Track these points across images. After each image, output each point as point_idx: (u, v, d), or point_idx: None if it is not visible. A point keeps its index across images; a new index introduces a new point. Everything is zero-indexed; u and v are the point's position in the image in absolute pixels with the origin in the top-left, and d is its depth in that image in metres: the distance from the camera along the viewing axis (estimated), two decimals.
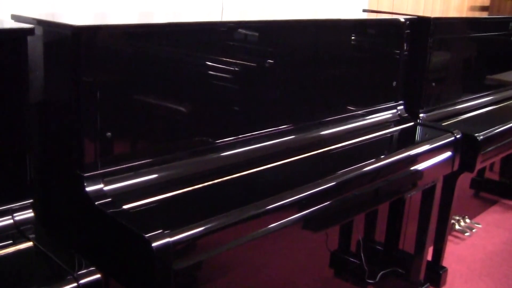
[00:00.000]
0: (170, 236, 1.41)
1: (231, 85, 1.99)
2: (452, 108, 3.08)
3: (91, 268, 1.27)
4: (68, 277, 1.24)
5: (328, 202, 1.93)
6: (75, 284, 1.22)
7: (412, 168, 2.34)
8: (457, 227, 3.57)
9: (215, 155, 1.93)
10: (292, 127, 2.20)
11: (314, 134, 2.29)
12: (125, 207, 1.57)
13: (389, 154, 2.28)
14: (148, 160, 1.74)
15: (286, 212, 1.78)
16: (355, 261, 2.82)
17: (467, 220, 3.66)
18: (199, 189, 1.79)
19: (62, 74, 1.61)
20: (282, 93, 2.16)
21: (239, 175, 1.93)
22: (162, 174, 1.77)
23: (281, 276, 2.43)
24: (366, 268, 2.81)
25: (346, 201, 2.02)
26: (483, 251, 3.45)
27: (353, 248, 2.85)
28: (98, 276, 1.26)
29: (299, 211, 1.82)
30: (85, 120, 1.57)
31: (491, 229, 3.73)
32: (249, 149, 2.04)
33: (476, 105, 3.27)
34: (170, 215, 1.63)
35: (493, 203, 4.11)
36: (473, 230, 3.61)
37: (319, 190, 1.90)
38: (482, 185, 3.92)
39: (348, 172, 2.04)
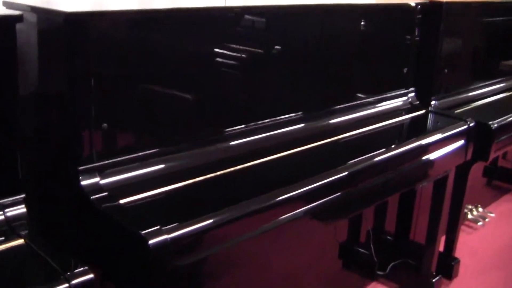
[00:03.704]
0: (168, 233, 1.34)
1: (236, 72, 1.92)
2: (464, 95, 3.01)
3: (83, 268, 1.21)
4: (60, 277, 1.18)
5: (338, 194, 1.87)
6: (66, 285, 1.16)
7: (424, 158, 2.27)
8: (469, 216, 3.50)
9: (218, 146, 1.87)
10: (300, 116, 2.14)
11: (323, 122, 2.23)
12: (122, 201, 1.50)
13: (401, 143, 2.23)
14: (147, 152, 1.67)
15: (294, 205, 1.72)
16: (365, 252, 2.76)
17: (480, 209, 3.59)
18: (202, 181, 1.72)
19: (56, 63, 1.54)
20: (290, 80, 2.10)
21: (245, 166, 1.86)
22: (163, 166, 1.70)
23: (288, 268, 2.36)
24: (375, 259, 2.75)
25: (356, 193, 1.96)
26: (496, 241, 3.38)
27: (362, 239, 2.79)
28: (90, 276, 1.20)
29: (308, 204, 1.76)
30: (79, 110, 1.50)
31: (504, 219, 3.65)
32: (256, 138, 1.97)
33: (489, 92, 3.20)
34: (171, 210, 1.57)
35: (506, 191, 4.02)
36: (486, 220, 3.53)
37: (329, 181, 1.83)
38: (495, 173, 3.84)
39: (359, 162, 1.98)
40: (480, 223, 3.50)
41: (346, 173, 1.90)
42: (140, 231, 1.31)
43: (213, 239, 1.49)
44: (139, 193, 1.57)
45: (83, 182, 1.50)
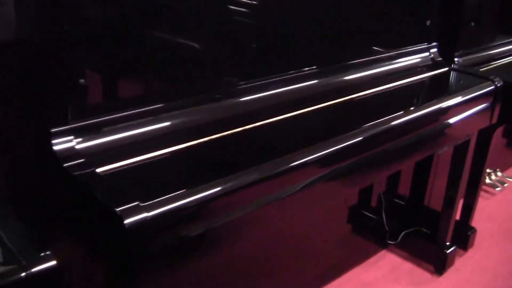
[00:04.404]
0: (149, 210, 1.15)
1: (246, 21, 1.70)
2: (489, 52, 2.79)
3: (45, 253, 1.02)
4: (16, 264, 0.99)
5: (353, 161, 1.69)
6: (23, 274, 0.97)
7: (446, 122, 2.06)
8: (487, 181, 3.33)
9: (222, 103, 1.66)
10: (314, 71, 1.93)
11: (338, 79, 2.03)
12: (102, 169, 1.30)
13: (421, 105, 2.02)
14: (136, 111, 1.46)
15: (302, 172, 1.53)
16: (375, 218, 2.58)
17: (499, 174, 3.40)
18: (200, 144, 1.52)
19: (28, 6, 1.32)
20: (304, 32, 1.89)
21: (249, 127, 1.66)
22: (155, 127, 1.49)
23: (294, 232, 2.20)
24: (387, 228, 2.57)
25: (371, 159, 1.77)
26: None
27: (373, 203, 2.63)
28: (52, 263, 1.01)
29: (318, 171, 1.58)
30: (52, 62, 1.29)
31: None
32: (265, 95, 1.78)
33: None
34: (160, 180, 1.36)
35: None
36: (505, 185, 3.36)
37: (341, 147, 1.64)
38: None
39: (375, 126, 1.78)
40: (498, 189, 3.34)
41: (360, 138, 1.71)
42: (115, 208, 1.12)
43: (208, 213, 1.30)
44: (123, 159, 1.36)
45: (56, 147, 1.29)
